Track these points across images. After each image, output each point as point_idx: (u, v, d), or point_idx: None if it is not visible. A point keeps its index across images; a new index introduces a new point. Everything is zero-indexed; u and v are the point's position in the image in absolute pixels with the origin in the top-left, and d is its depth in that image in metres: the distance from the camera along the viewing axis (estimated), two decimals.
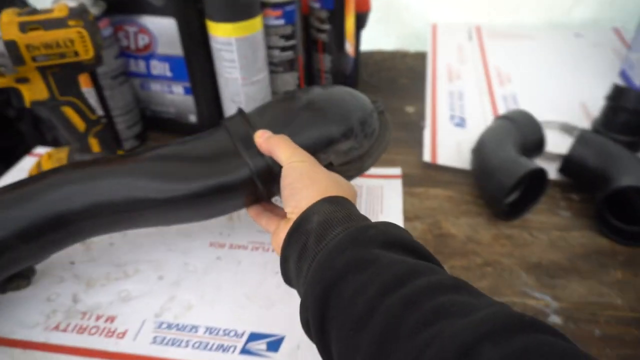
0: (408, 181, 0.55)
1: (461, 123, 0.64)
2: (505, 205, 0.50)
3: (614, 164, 0.49)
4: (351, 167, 0.42)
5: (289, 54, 0.58)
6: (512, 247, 0.47)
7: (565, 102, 0.67)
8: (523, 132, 0.54)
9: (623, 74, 0.71)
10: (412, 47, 0.85)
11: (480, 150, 0.53)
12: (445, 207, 0.52)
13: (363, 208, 0.50)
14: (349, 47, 0.63)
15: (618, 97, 0.55)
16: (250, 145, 0.39)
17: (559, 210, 0.51)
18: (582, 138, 0.51)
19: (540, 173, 0.49)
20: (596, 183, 0.49)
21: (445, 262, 0.45)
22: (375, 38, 0.85)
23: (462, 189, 0.54)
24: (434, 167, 0.57)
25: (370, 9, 0.66)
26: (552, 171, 0.53)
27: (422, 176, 0.56)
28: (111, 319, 0.41)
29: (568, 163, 0.52)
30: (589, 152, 0.50)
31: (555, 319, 0.41)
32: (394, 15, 0.91)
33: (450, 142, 0.60)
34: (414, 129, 0.63)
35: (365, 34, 0.68)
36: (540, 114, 0.56)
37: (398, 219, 0.49)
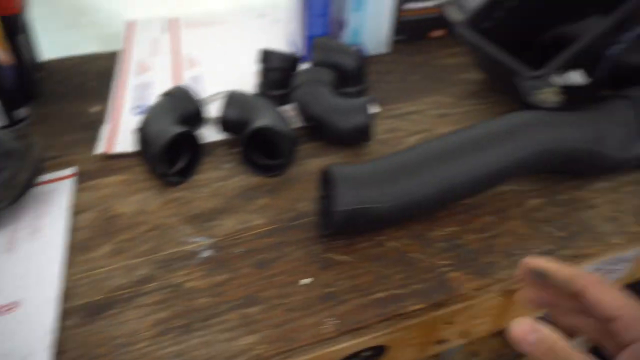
0: (84, 177, 0.56)
1: (144, 111, 0.68)
2: (172, 172, 0.56)
3: (253, 112, 0.58)
4: None
5: None
6: (178, 207, 0.53)
7: (245, 74, 0.76)
8: (181, 105, 0.60)
9: (290, 43, 0.84)
10: (112, 48, 0.86)
11: (141, 128, 0.57)
12: (118, 191, 0.55)
13: (25, 219, 0.51)
14: (1, 55, 0.61)
15: (266, 60, 0.66)
16: None
17: (222, 164, 0.59)
18: (229, 98, 0.60)
19: (190, 137, 0.55)
20: (243, 131, 0.58)
21: (113, 239, 0.49)
22: (70, 44, 0.85)
23: (137, 170, 0.58)
24: (111, 158, 0.60)
25: (22, 12, 0.65)
26: (216, 133, 0.61)
27: (98, 168, 0.58)
28: None
29: (223, 122, 0.60)
30: (235, 109, 0.59)
31: (207, 253, 0.48)
32: (87, 18, 0.91)
33: (129, 130, 0.63)
34: (96, 127, 0.65)
35: (56, 40, 0.67)
36: (220, 87, 0.65)
37: (62, 217, 0.51)
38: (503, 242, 0.48)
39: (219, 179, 0.57)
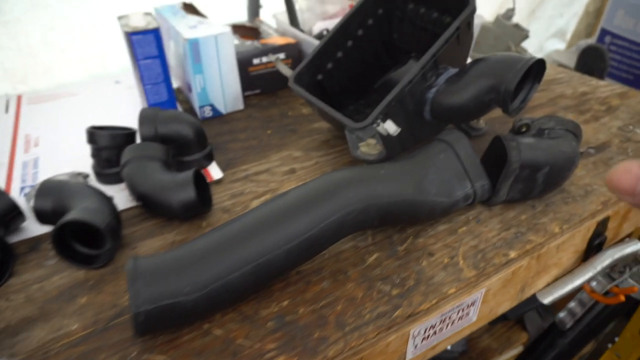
0: None
1: None
2: None
3: (69, 201, 0.52)
4: None
5: None
6: None
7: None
8: None
9: None
10: None
11: None
12: None
13: None
14: None
15: (92, 140, 0.61)
16: None
17: (45, 260, 0.52)
18: (40, 188, 0.54)
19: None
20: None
21: None
22: None
23: None
24: None
25: None
26: (38, 227, 0.55)
27: None
28: None
29: (37, 214, 0.53)
30: (47, 199, 0.53)
31: None
32: None
33: None
34: None
35: None
36: (59, 169, 0.60)
37: None
38: (336, 310, 0.45)
39: (38, 279, 0.50)
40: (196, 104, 0.77)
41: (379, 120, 0.56)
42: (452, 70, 0.60)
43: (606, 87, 0.87)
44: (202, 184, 0.58)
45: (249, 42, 0.84)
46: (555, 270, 0.59)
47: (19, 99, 0.88)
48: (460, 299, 0.47)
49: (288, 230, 0.43)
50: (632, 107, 0.80)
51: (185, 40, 0.71)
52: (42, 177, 0.66)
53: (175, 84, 0.87)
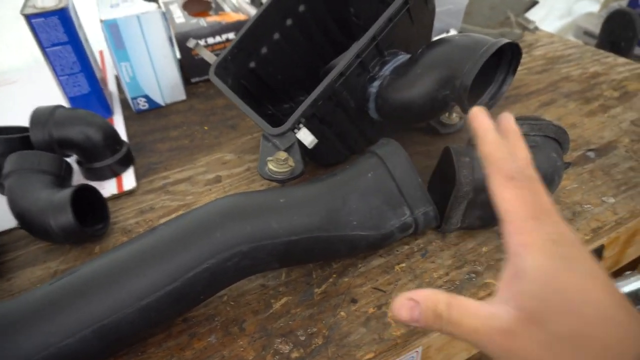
0: None
1: None
2: None
3: None
4: None
5: None
6: None
7: None
8: None
9: None
10: None
11: None
12: None
13: None
14: None
15: None
16: None
17: None
18: None
19: None
20: None
21: None
22: None
23: None
24: None
25: None
26: None
27: None
28: None
29: None
30: None
31: None
32: None
33: None
34: None
35: None
36: None
37: None
38: None
39: None
40: (128, 95, 0.67)
41: (300, 125, 0.44)
42: (402, 57, 0.47)
43: (624, 67, 0.71)
44: (98, 199, 0.48)
45: (194, 20, 0.73)
46: None
47: None
48: None
49: (141, 283, 0.33)
50: None
51: (102, 21, 0.60)
52: None
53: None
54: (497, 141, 0.26)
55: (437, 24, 0.79)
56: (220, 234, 0.34)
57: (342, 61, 0.44)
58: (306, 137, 0.42)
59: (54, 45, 0.58)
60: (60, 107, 0.54)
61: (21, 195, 0.46)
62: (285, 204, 0.37)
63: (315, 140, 0.43)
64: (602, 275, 0.21)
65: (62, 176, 0.50)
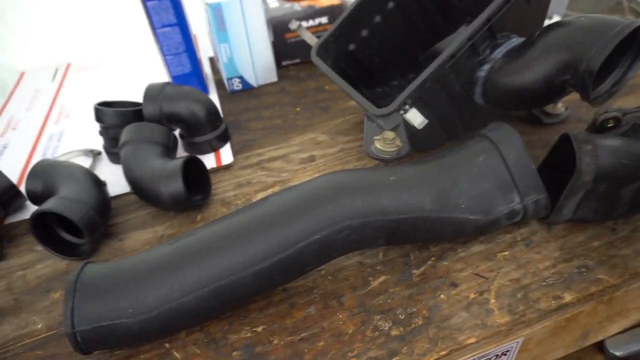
0: None
1: None
2: None
3: (57, 184, 0.48)
4: None
5: None
6: None
7: None
8: None
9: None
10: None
11: None
12: None
13: None
14: None
15: (99, 118, 0.56)
16: None
17: (36, 245, 0.50)
18: (33, 169, 0.51)
19: None
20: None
21: None
22: None
23: None
24: None
25: None
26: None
27: None
28: None
29: (29, 196, 0.50)
30: (38, 180, 0.49)
31: None
32: None
33: None
34: None
35: None
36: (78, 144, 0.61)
37: None
38: (317, 347, 0.36)
39: (23, 266, 0.48)
40: (224, 76, 0.70)
41: (406, 106, 0.44)
42: (515, 41, 0.45)
43: None
44: (201, 171, 0.51)
45: (288, 5, 0.74)
46: (637, 314, 0.44)
47: (67, 67, 0.88)
48: (483, 350, 0.36)
49: (257, 249, 0.34)
50: None
51: (207, 4, 0.63)
52: (62, 151, 0.64)
53: (212, 52, 0.81)
54: None
55: None
56: (332, 207, 0.35)
57: (454, 43, 0.43)
58: (415, 117, 0.42)
59: (164, 26, 0.62)
60: (169, 84, 0.57)
61: (135, 164, 0.50)
62: (395, 181, 0.37)
63: (426, 121, 0.42)
64: None
65: (170, 148, 0.53)
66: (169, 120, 0.55)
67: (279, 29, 0.72)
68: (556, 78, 0.41)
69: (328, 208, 0.35)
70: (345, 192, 0.36)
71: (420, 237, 0.39)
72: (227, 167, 0.56)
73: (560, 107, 0.55)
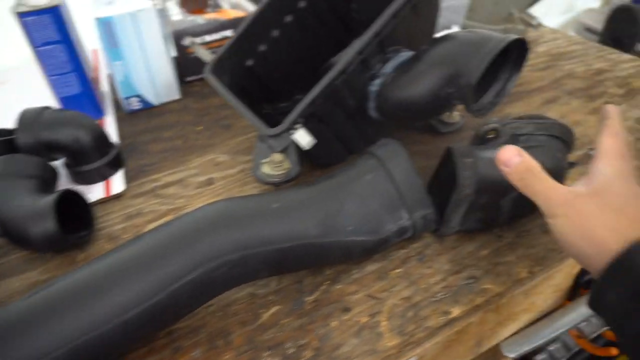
0: None
1: None
2: None
3: None
4: None
5: None
6: None
7: None
8: None
9: None
10: None
11: None
12: None
13: None
14: None
15: None
16: None
17: None
18: None
19: None
20: None
21: None
22: None
23: None
24: None
25: None
26: None
27: None
28: None
29: None
30: None
31: None
32: None
33: None
34: None
35: None
36: None
37: None
38: None
39: None
40: (120, 96, 0.66)
41: (297, 126, 0.42)
42: (405, 55, 0.45)
43: (629, 63, 0.69)
44: (82, 205, 0.47)
45: (191, 18, 0.71)
46: (526, 316, 0.45)
47: None
48: None
49: (121, 297, 0.31)
50: None
51: (96, 19, 0.58)
52: None
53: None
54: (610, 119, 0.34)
55: (440, 19, 0.77)
56: (208, 242, 0.33)
57: (343, 58, 0.42)
58: (303, 138, 0.40)
59: (45, 44, 0.57)
60: (47, 108, 0.52)
61: (2, 202, 0.45)
62: (278, 209, 0.35)
63: (313, 142, 0.41)
64: None
65: (47, 181, 0.48)
66: (49, 149, 0.51)
67: (179, 44, 0.69)
68: (441, 91, 0.41)
69: (203, 243, 0.33)
70: (223, 225, 0.34)
71: (307, 264, 0.38)
72: (118, 197, 0.52)
73: (455, 115, 0.56)
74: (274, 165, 0.39)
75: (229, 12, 0.74)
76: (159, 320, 0.33)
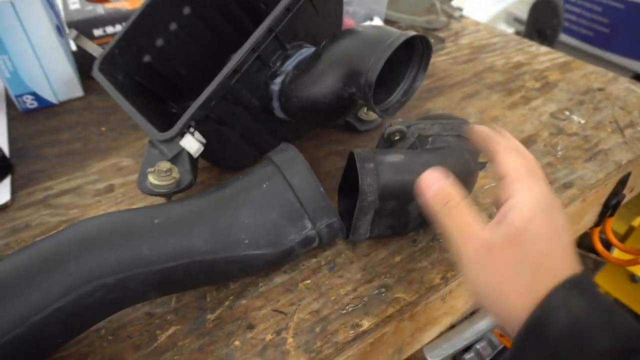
0: None
1: None
2: None
3: None
4: None
5: None
6: None
7: None
8: None
9: None
10: None
11: None
12: None
13: None
14: None
15: None
16: None
17: None
18: None
19: None
20: None
21: None
22: None
23: None
24: None
25: None
26: None
27: None
28: None
29: None
30: None
31: None
32: None
33: None
34: None
35: None
36: None
37: None
38: None
39: None
40: (10, 93, 0.59)
41: (191, 129, 0.39)
42: (306, 51, 0.43)
43: (546, 56, 0.71)
44: None
45: (90, 7, 0.65)
46: (447, 319, 0.45)
47: None
48: None
49: None
50: (573, 84, 0.64)
51: None
52: None
53: None
54: (499, 136, 0.31)
55: (361, 10, 0.75)
56: (76, 265, 0.29)
57: (236, 56, 0.39)
58: (191, 144, 0.37)
59: None
60: None
61: None
62: (160, 224, 0.32)
63: (202, 149, 0.38)
64: (566, 230, 0.28)
65: None
66: None
67: (82, 35, 0.62)
68: (343, 91, 0.39)
69: (71, 267, 0.29)
70: (95, 245, 0.30)
71: (202, 283, 0.35)
72: (3, 208, 0.46)
73: (372, 113, 0.54)
74: (160, 175, 0.35)
75: (134, 2, 0.68)
76: (22, 356, 0.28)
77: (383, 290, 0.38)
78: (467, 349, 0.51)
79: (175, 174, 0.36)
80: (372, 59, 0.36)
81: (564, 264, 0.26)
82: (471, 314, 0.47)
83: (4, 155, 0.49)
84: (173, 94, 0.53)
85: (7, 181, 0.49)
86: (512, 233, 0.26)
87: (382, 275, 0.39)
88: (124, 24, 0.64)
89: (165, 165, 0.35)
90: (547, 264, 0.26)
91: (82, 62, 0.65)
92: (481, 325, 0.46)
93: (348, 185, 0.43)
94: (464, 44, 0.73)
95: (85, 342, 0.35)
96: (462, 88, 0.63)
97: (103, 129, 0.57)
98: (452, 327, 0.47)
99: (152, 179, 0.36)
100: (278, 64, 0.42)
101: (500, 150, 0.30)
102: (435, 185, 0.29)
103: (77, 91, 0.63)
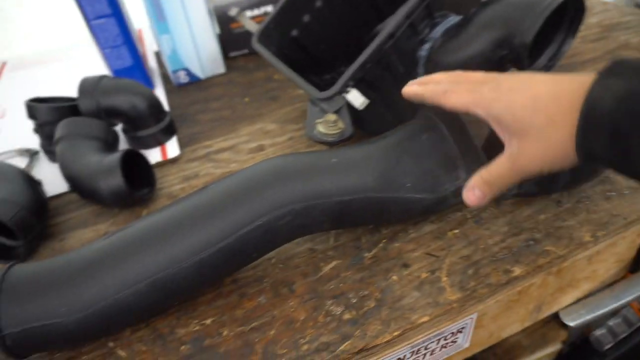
0: None
1: None
2: None
3: None
4: None
5: None
6: None
7: None
8: None
9: None
10: None
11: None
12: None
13: None
14: None
15: (32, 114, 0.53)
16: None
17: None
18: None
19: None
20: None
21: None
22: None
23: None
24: None
25: None
26: None
27: None
28: None
29: None
30: None
31: None
32: None
33: None
34: None
35: None
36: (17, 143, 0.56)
37: None
38: (268, 336, 0.35)
39: None
40: (169, 69, 0.67)
41: (348, 89, 0.43)
42: (453, 19, 0.45)
43: None
44: (144, 165, 0.49)
45: None
46: (587, 284, 0.45)
47: (2, 66, 0.83)
48: (437, 328, 0.36)
49: (194, 239, 0.32)
50: None
51: None
52: None
53: (156, 47, 0.78)
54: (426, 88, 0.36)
55: None
56: (273, 191, 0.34)
57: (391, 22, 0.42)
58: (356, 98, 0.41)
59: (98, 17, 0.59)
60: (106, 76, 0.54)
61: (72, 160, 0.47)
62: (337, 163, 0.36)
63: (367, 101, 0.42)
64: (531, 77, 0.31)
65: (110, 142, 0.50)
66: (108, 114, 0.52)
67: (223, 19, 0.70)
68: (493, 54, 0.41)
69: (269, 193, 0.34)
70: (286, 176, 0.34)
71: (368, 220, 0.38)
72: (174, 161, 0.54)
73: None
74: (328, 125, 0.40)
75: None
76: (228, 263, 0.34)
77: (532, 242, 0.39)
78: (598, 324, 0.50)
79: (340, 124, 0.40)
80: (528, 21, 0.38)
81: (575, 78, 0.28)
82: (609, 285, 0.47)
83: (171, 118, 0.57)
84: (311, 67, 0.58)
85: (174, 140, 0.56)
86: (493, 85, 0.32)
87: (528, 230, 0.40)
88: (273, 5, 0.71)
89: (332, 116, 0.40)
90: (563, 82, 0.29)
91: (224, 42, 0.72)
92: (621, 296, 0.46)
93: (490, 146, 0.44)
94: (592, 23, 0.72)
95: (260, 268, 0.40)
96: (594, 65, 0.62)
97: (247, 99, 0.64)
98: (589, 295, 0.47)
99: (321, 128, 0.40)
100: (427, 31, 0.45)
101: (439, 100, 0.34)
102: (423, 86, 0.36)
103: (220, 68, 0.70)
